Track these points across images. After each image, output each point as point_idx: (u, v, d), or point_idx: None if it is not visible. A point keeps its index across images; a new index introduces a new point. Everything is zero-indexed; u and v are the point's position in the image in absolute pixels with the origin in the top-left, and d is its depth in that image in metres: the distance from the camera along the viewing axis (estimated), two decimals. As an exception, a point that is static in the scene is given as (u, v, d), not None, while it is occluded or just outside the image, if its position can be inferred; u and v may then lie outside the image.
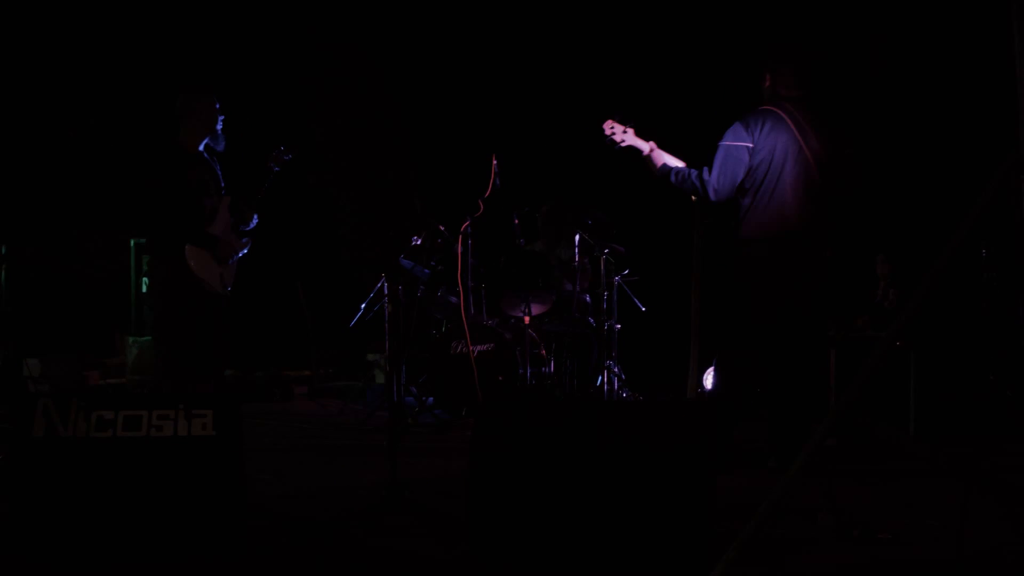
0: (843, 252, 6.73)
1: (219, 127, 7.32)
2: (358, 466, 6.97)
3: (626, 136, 6.77)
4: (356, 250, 12.93)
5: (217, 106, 7.29)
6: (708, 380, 9.68)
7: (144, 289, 11.20)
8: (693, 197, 6.60)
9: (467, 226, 8.60)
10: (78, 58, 11.78)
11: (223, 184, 7.34)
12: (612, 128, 6.79)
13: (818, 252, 6.53)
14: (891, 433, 8.02)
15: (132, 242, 11.44)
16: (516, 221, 9.58)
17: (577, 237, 9.02)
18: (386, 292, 9.39)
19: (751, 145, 6.41)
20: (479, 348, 8.92)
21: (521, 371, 8.72)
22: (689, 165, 6.70)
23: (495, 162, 8.03)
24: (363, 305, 9.76)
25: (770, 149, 6.42)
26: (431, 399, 9.33)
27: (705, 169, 6.49)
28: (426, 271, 9.19)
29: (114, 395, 5.05)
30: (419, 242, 9.15)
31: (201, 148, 7.25)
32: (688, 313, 6.79)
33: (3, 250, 8.42)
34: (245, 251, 7.35)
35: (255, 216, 7.42)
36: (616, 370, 9.05)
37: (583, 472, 4.27)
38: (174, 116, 7.26)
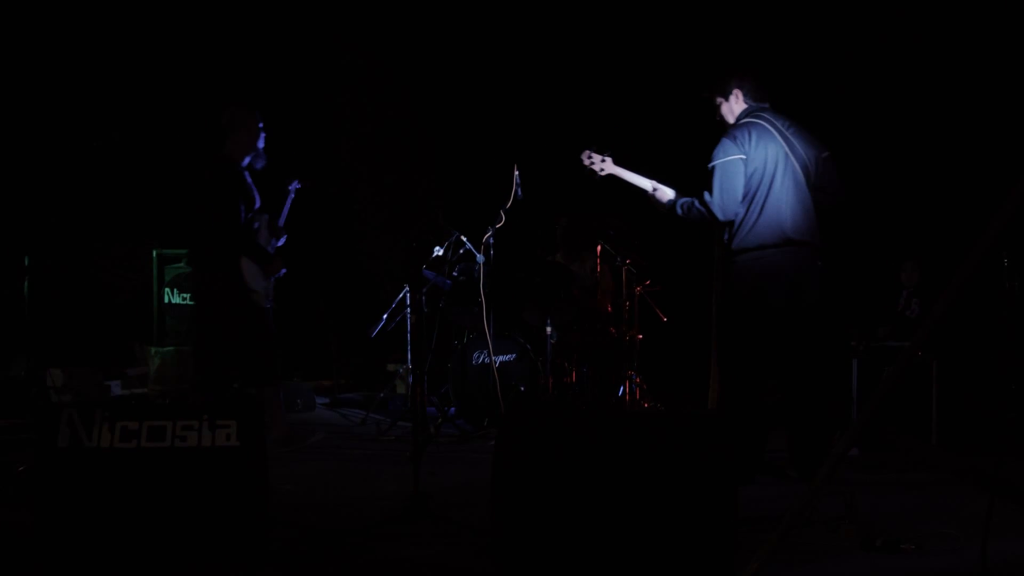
0: (864, 261, 6.73)
1: (261, 145, 7.41)
2: (380, 476, 6.98)
3: (604, 165, 6.86)
4: (378, 261, 12.96)
5: (261, 124, 7.38)
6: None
7: (167, 300, 11.23)
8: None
9: (489, 237, 8.62)
10: (102, 71, 11.84)
11: (259, 202, 7.44)
12: (590, 158, 6.88)
13: (812, 260, 6.54)
14: (914, 443, 7.99)
15: (155, 253, 11.48)
16: (539, 231, 9.59)
17: (599, 248, 9.02)
18: (408, 302, 9.41)
19: (744, 156, 6.42)
20: (501, 359, 8.93)
21: (543, 381, 8.71)
22: (686, 194, 6.74)
23: (517, 173, 8.04)
24: (385, 315, 9.78)
25: (762, 159, 6.44)
26: (453, 409, 9.34)
27: (706, 193, 6.50)
28: (447, 282, 9.21)
29: (138, 406, 5.04)
30: (441, 253, 9.16)
31: (244, 164, 7.34)
32: (709, 323, 6.80)
33: (27, 261, 8.45)
34: (284, 270, 7.50)
35: (283, 235, 7.54)
36: (638, 380, 9.04)
37: (606, 483, 4.26)
38: (220, 130, 7.35)
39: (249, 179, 7.44)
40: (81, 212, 7.20)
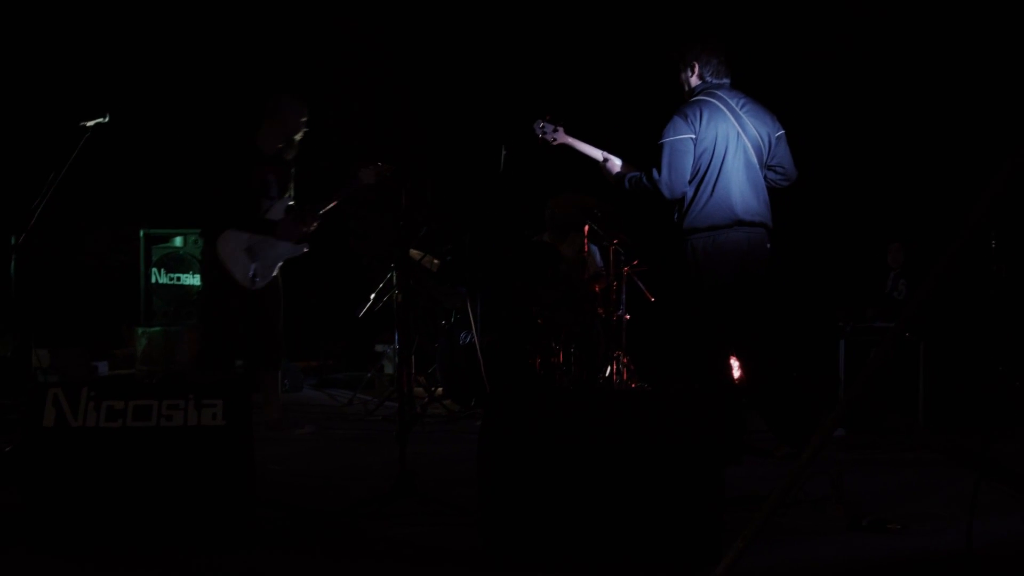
0: (850, 243, 6.74)
1: (298, 137, 7.46)
2: (367, 456, 6.98)
3: (557, 135, 6.88)
4: (364, 240, 12.93)
5: (304, 119, 7.43)
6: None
7: (154, 280, 11.22)
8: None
9: (476, 216, 8.61)
10: (90, 51, 11.79)
11: (291, 191, 7.49)
12: (542, 128, 6.90)
13: (763, 242, 6.55)
14: (901, 423, 8.01)
15: (142, 233, 11.44)
16: (524, 210, 9.57)
17: (586, 228, 8.99)
18: (395, 283, 9.39)
19: (694, 136, 6.42)
20: (487, 339, 8.92)
21: (530, 362, 8.71)
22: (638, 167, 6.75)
23: (504, 153, 8.03)
24: (372, 296, 9.76)
25: (712, 138, 6.43)
26: (440, 389, 9.33)
27: (654, 170, 6.50)
28: (461, 288, 9.19)
29: (124, 385, 5.04)
30: (427, 232, 9.15)
31: (280, 150, 7.41)
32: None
33: (13, 241, 8.41)
34: (291, 255, 7.49)
35: (314, 223, 7.55)
36: (625, 361, 9.03)
37: (592, 463, 4.26)
38: (259, 114, 7.45)
39: (276, 169, 7.48)
40: (68, 192, 7.18)
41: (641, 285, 9.56)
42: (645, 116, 7.35)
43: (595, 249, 9.27)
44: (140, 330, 11.11)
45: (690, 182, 6.47)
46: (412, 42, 12.65)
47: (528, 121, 7.04)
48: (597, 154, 6.86)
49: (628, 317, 9.18)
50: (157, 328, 11.00)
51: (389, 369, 10.80)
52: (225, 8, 12.29)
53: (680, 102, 6.68)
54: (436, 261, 9.29)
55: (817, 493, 5.03)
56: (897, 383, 8.14)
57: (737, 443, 6.44)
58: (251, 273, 7.33)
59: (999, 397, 7.87)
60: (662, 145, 6.48)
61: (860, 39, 10.06)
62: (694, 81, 6.71)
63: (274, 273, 7.54)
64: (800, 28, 10.15)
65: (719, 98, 6.54)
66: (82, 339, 11.13)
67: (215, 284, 7.45)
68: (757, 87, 6.82)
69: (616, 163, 6.83)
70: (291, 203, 7.58)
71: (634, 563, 4.15)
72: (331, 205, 7.62)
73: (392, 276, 9.48)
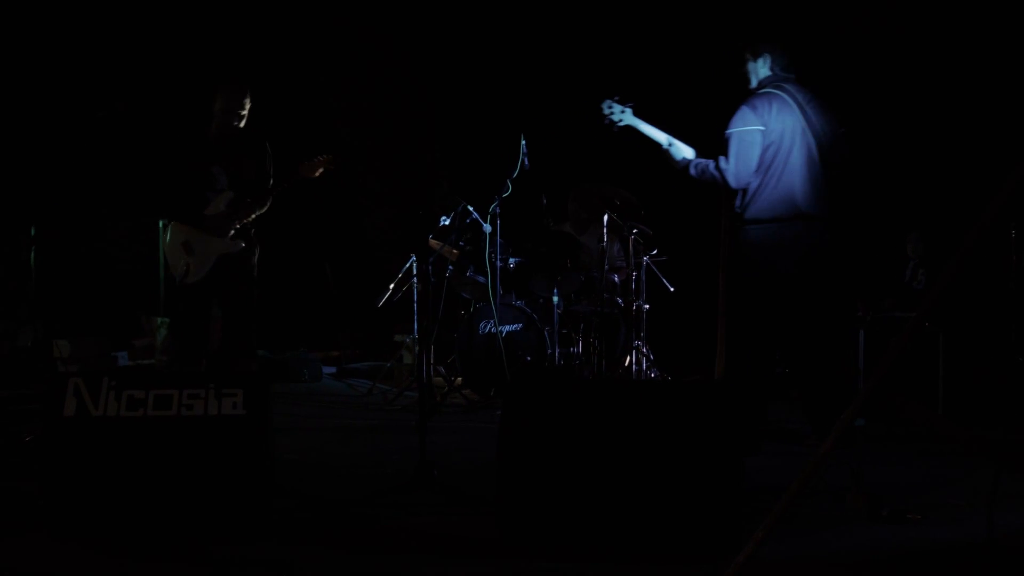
0: (870, 232, 6.72)
1: (239, 124, 7.35)
2: (386, 446, 6.99)
3: (623, 116, 6.77)
4: (384, 231, 12.95)
5: (241, 106, 7.32)
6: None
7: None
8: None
9: (495, 206, 8.60)
10: (106, 41, 11.81)
11: (224, 181, 7.36)
12: (610, 108, 6.79)
13: (823, 234, 6.54)
14: (921, 411, 7.97)
15: (161, 223, 11.45)
16: (544, 201, 9.55)
17: (606, 218, 8.99)
18: (415, 272, 9.39)
19: (763, 128, 6.41)
20: (507, 328, 8.93)
21: (549, 351, 8.71)
22: (703, 155, 6.71)
23: (524, 143, 8.02)
24: (391, 286, 9.76)
25: (779, 131, 6.44)
26: (459, 379, 9.34)
27: (722, 158, 6.48)
28: (481, 278, 9.19)
29: (145, 375, 5.06)
30: (447, 222, 9.15)
31: (226, 139, 7.31)
32: (716, 294, 6.79)
33: (33, 231, 8.44)
34: (226, 251, 7.33)
35: (256, 210, 7.40)
36: (644, 350, 9.03)
37: (611, 452, 4.27)
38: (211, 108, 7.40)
39: (225, 160, 7.37)
40: (87, 182, 7.17)
41: (660, 275, 9.56)
42: (681, 106, 7.31)
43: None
44: (159, 320, 11.12)
45: (756, 173, 6.47)
46: (431, 32, 12.63)
47: (547, 111, 7.00)
48: (662, 138, 6.77)
49: (648, 307, 9.18)
50: (177, 318, 11.01)
51: (408, 359, 10.81)
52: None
53: (746, 93, 6.68)
54: (455, 251, 9.30)
55: (837, 483, 5.03)
56: (916, 375, 8.11)
57: (756, 433, 6.44)
58: (183, 268, 7.24)
59: (1018, 387, 7.84)
60: (730, 135, 6.48)
61: (878, 29, 10.02)
62: (763, 73, 6.71)
63: (209, 268, 7.38)
64: (817, 21, 10.11)
65: (787, 92, 6.54)
66: (102, 329, 11.16)
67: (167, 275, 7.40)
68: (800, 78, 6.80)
69: (683, 148, 6.76)
70: (231, 193, 7.41)
71: (651, 553, 4.14)
72: (268, 200, 7.47)
73: (412, 266, 9.49)
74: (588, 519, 4.24)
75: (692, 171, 6.65)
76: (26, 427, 6.73)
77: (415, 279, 9.39)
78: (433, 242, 9.17)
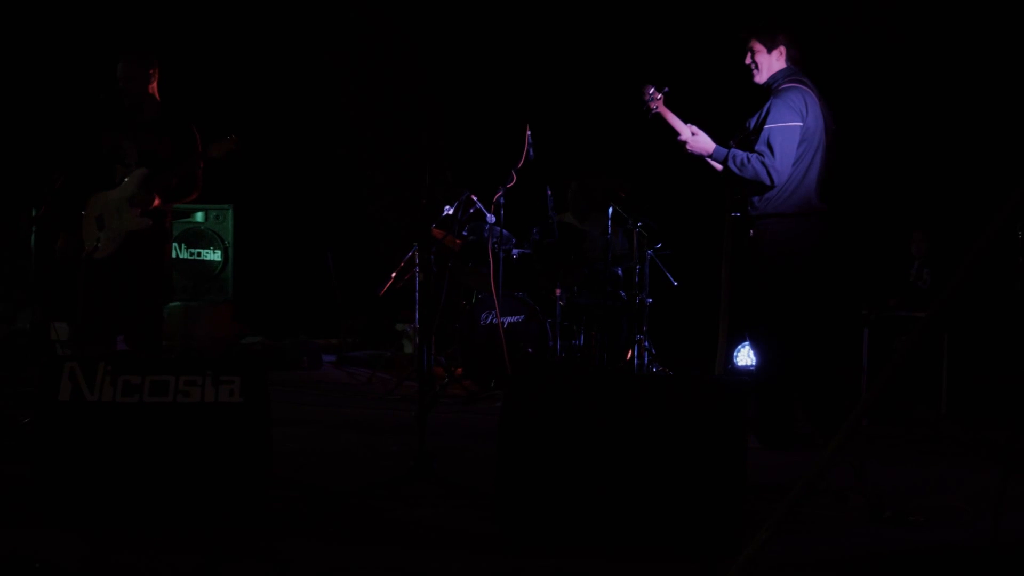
0: (875, 231, 6.69)
1: (129, 92, 7.08)
2: (385, 436, 6.95)
3: (656, 105, 6.62)
4: (386, 219, 12.90)
5: (139, 75, 7.06)
6: (739, 356, 9.65)
7: (174, 255, 11.14)
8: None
9: (499, 196, 8.57)
10: (107, 21, 11.76)
11: (159, 157, 7.09)
12: (650, 92, 6.61)
13: (829, 228, 6.52)
14: (926, 415, 7.95)
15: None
16: (549, 192, 9.50)
17: (611, 210, 8.94)
18: (417, 262, 9.35)
19: (802, 124, 6.34)
20: (509, 320, 8.89)
21: (551, 343, 8.68)
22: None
23: (528, 133, 7.98)
24: (393, 274, 9.72)
25: (813, 128, 6.39)
26: (460, 370, 9.30)
27: (767, 154, 6.36)
28: (483, 268, 9.14)
29: (142, 360, 5.01)
30: (451, 212, 9.11)
31: (134, 112, 7.08)
32: (719, 288, 6.74)
33: (33, 213, 8.40)
34: (137, 228, 7.06)
35: (177, 194, 7.18)
36: (646, 344, 9.00)
37: (612, 447, 4.23)
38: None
39: (134, 134, 7.14)
40: (87, 164, 7.14)
41: (664, 269, 9.52)
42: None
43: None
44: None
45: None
46: (436, 21, 12.58)
47: (551, 101, 6.93)
48: (684, 129, 6.68)
49: (651, 300, 9.14)
50: (176, 303, 10.97)
51: (409, 348, 10.77)
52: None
53: (756, 87, 6.62)
54: (458, 241, 9.25)
55: (841, 484, 5.00)
56: (921, 375, 8.08)
57: (788, 430, 6.39)
58: (96, 242, 7.05)
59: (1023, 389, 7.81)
60: (771, 130, 6.35)
61: (882, 27, 9.97)
62: (779, 65, 6.59)
63: (117, 245, 7.04)
64: (819, 18, 10.06)
65: (810, 86, 6.48)
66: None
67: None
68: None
69: (705, 138, 6.63)
70: (144, 170, 7.13)
71: (651, 551, 4.11)
72: (192, 185, 7.19)
73: (414, 255, 9.44)
74: (588, 514, 4.20)
75: (733, 163, 6.48)
76: (24, 410, 6.68)
77: (417, 268, 9.34)
78: (436, 231, 9.12)
